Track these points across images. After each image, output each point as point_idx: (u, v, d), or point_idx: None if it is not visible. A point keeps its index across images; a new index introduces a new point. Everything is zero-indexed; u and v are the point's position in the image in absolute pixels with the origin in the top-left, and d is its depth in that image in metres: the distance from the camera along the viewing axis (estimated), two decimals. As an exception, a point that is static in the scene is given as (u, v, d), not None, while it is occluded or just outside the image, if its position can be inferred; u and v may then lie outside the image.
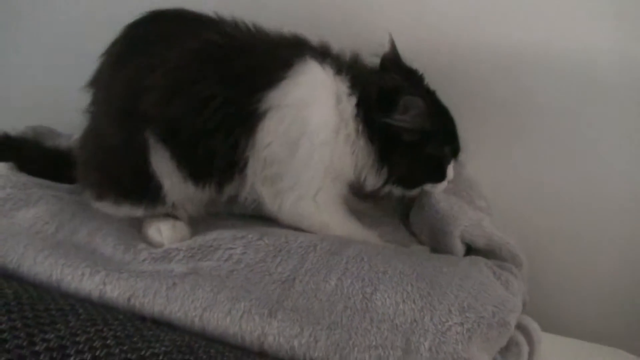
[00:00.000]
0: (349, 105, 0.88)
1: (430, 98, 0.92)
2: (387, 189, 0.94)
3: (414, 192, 0.97)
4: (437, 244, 0.92)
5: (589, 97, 1.05)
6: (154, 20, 0.91)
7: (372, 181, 0.92)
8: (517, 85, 1.08)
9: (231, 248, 0.81)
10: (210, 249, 0.81)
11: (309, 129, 0.85)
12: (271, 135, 0.85)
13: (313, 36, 0.93)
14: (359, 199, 1.01)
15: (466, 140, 0.97)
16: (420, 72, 0.96)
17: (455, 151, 0.95)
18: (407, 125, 0.86)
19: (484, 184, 1.05)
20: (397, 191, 0.96)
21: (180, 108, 0.84)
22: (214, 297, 0.73)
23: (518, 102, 1.09)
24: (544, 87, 1.07)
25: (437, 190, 0.96)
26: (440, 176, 0.95)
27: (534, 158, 1.12)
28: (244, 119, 0.84)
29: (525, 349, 0.78)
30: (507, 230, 0.92)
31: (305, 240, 0.82)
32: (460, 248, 0.90)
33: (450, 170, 0.96)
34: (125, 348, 0.63)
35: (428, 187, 0.96)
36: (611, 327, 1.11)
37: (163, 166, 0.87)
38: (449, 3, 1.08)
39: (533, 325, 0.82)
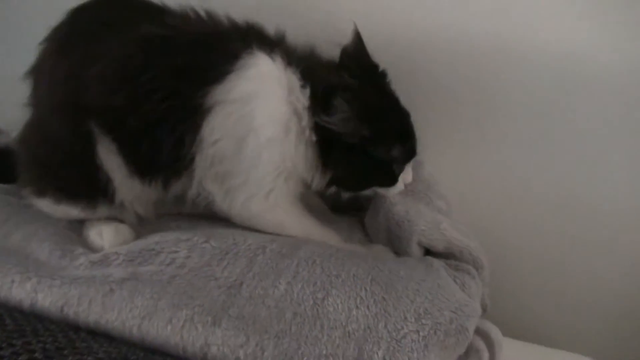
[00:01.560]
0: (303, 97, 0.83)
1: (382, 98, 0.87)
2: (332, 190, 0.89)
3: (364, 193, 0.93)
4: (394, 248, 0.88)
5: (561, 94, 1.01)
6: (100, 6, 0.87)
7: (318, 181, 0.88)
8: (484, 81, 1.04)
9: (174, 251, 0.75)
10: (151, 253, 0.76)
11: (255, 126, 0.81)
12: (218, 131, 0.81)
13: (272, 24, 0.88)
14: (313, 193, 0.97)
15: (427, 139, 0.93)
16: (382, 69, 0.91)
17: (407, 154, 0.89)
18: (336, 129, 0.82)
19: (447, 184, 1.01)
20: (344, 193, 0.91)
21: (124, 99, 0.79)
22: (154, 304, 0.68)
23: (486, 99, 1.05)
24: (513, 83, 1.03)
25: (391, 193, 0.91)
26: (388, 181, 0.90)
27: (501, 156, 1.08)
28: (189, 113, 0.80)
29: (485, 355, 0.75)
30: (469, 231, 0.89)
31: (254, 242, 0.77)
32: (418, 253, 0.86)
33: (408, 174, 0.92)
34: (54, 361, 0.58)
35: (381, 190, 0.91)
36: (575, 333, 1.10)
37: (110, 161, 0.82)
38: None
39: (494, 331, 0.80)
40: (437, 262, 0.81)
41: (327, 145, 0.84)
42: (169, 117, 0.79)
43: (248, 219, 0.86)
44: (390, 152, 0.86)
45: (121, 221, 0.87)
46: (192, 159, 0.82)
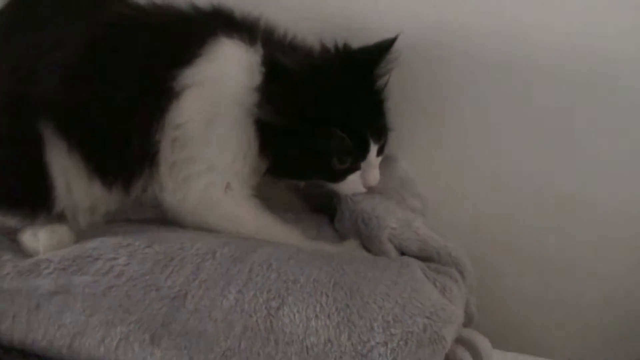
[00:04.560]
0: (258, 77, 0.77)
1: (334, 88, 0.77)
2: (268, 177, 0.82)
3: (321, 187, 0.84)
4: (369, 251, 0.79)
5: (543, 86, 0.92)
6: None
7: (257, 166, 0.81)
8: (466, 74, 0.95)
9: (113, 258, 0.66)
10: (87, 260, 0.66)
11: (226, 106, 0.77)
12: (184, 114, 0.76)
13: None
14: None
15: (404, 135, 0.87)
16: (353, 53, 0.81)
17: (353, 152, 0.79)
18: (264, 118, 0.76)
19: (425, 182, 0.93)
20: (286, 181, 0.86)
21: (92, 89, 0.73)
22: (86, 320, 0.60)
23: (467, 92, 0.96)
24: (497, 74, 0.94)
25: (344, 191, 0.83)
26: (328, 174, 0.81)
27: (484, 151, 0.98)
28: (160, 99, 0.75)
29: (471, 367, 0.66)
30: (449, 234, 0.81)
31: (203, 246, 0.68)
32: (393, 252, 0.77)
33: (371, 175, 0.82)
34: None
35: (330, 185, 0.83)
36: (568, 342, 1.02)
37: (59, 163, 0.74)
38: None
39: (482, 342, 0.71)
40: (414, 262, 0.72)
41: (263, 128, 0.77)
42: (140, 104, 0.74)
43: (204, 212, 0.79)
44: (328, 145, 0.78)
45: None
46: (158, 149, 0.76)
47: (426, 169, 0.97)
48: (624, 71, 0.88)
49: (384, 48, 0.79)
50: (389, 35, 0.80)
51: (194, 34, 0.77)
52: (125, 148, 0.75)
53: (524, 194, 0.98)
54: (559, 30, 0.88)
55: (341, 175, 0.81)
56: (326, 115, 0.76)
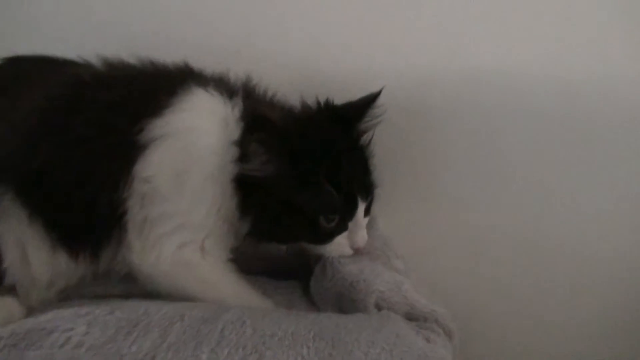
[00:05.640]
0: (237, 131, 0.74)
1: (319, 142, 0.75)
2: (251, 240, 0.79)
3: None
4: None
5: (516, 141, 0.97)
6: (12, 64, 0.79)
7: (239, 228, 0.78)
8: (441, 134, 0.99)
9: (70, 329, 0.60)
10: (42, 333, 0.60)
11: (199, 157, 0.73)
12: (153, 168, 0.72)
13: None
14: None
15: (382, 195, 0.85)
16: (337, 108, 0.80)
17: (340, 208, 0.76)
18: (256, 174, 0.73)
19: (403, 243, 0.91)
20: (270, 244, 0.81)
21: (52, 150, 0.70)
22: (39, 400, 0.53)
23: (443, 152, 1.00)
24: (468, 132, 0.98)
25: (330, 253, 0.80)
26: (316, 236, 0.77)
27: (459, 213, 1.01)
28: (125, 153, 0.72)
29: None
30: (428, 293, 0.78)
31: (170, 310, 0.63)
32: None
33: (358, 235, 0.79)
34: None
35: (317, 249, 0.80)
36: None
37: (11, 235, 0.70)
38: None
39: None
40: (395, 315, 0.70)
41: (245, 185, 0.74)
42: (104, 161, 0.71)
43: (179, 275, 0.74)
44: (315, 201, 0.74)
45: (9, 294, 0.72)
46: (126, 207, 0.72)
47: (406, 228, 0.96)
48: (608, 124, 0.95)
49: (367, 102, 0.79)
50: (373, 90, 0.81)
51: (164, 84, 0.76)
52: (91, 210, 0.71)
53: (505, 251, 0.99)
54: (546, 86, 0.94)
55: (328, 236, 0.77)
56: (314, 169, 0.73)
